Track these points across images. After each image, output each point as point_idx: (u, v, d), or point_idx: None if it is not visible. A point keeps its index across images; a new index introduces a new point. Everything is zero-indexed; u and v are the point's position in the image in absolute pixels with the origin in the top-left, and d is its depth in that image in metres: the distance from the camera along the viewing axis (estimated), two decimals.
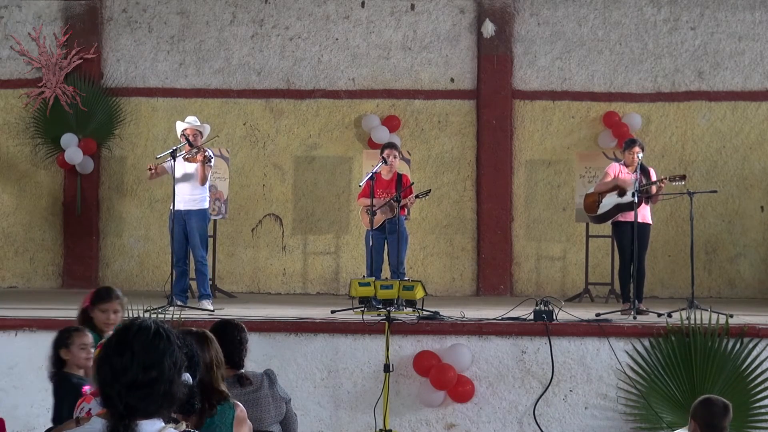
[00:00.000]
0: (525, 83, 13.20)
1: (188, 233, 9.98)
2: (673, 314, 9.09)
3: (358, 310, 9.21)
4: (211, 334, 4.76)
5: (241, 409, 4.65)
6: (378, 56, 13.32)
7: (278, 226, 13.33)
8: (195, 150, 9.92)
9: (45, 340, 8.67)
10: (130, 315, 8.49)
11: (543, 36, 13.19)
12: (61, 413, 5.51)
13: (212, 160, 10.11)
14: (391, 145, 10.80)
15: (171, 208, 10.06)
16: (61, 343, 5.75)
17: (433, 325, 8.78)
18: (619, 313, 9.57)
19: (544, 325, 8.67)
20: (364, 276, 10.53)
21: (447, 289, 13.06)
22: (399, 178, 10.65)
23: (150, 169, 10.03)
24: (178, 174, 9.97)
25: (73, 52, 13.19)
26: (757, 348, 8.50)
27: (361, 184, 10.66)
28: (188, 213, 9.98)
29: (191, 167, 9.98)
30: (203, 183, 10.00)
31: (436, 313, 9.05)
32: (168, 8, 13.43)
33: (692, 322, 8.54)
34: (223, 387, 4.60)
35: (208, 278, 10.43)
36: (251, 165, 13.28)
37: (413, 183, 10.94)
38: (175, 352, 2.94)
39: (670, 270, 12.87)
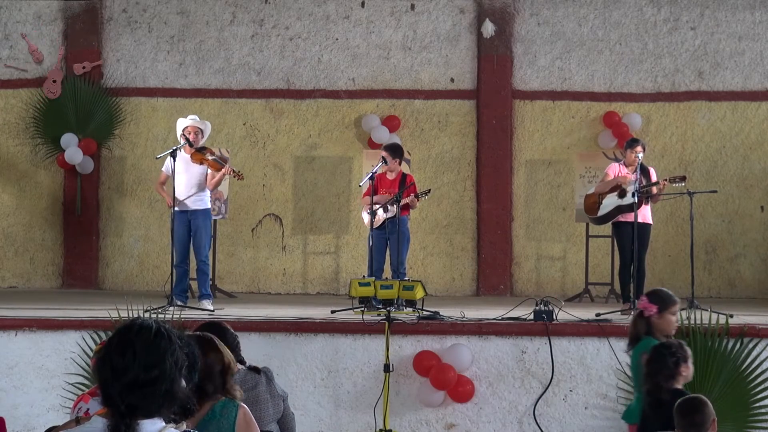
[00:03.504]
0: (525, 83, 13.20)
1: (194, 233, 9.99)
2: None
3: (358, 310, 9.21)
4: (210, 336, 4.78)
5: (245, 411, 4.61)
6: (378, 56, 13.32)
7: (278, 226, 13.33)
8: (220, 160, 10.05)
9: (45, 340, 8.77)
10: (130, 315, 8.53)
11: (543, 36, 13.19)
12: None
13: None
14: (390, 151, 10.64)
15: (172, 208, 10.04)
16: None
17: (433, 325, 8.77)
18: (619, 313, 9.57)
19: (544, 325, 8.67)
20: (364, 276, 10.52)
21: (447, 289, 13.05)
22: (403, 177, 10.64)
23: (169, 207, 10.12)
24: (181, 174, 9.95)
25: (81, 66, 13.19)
26: (757, 348, 8.50)
27: (361, 184, 10.64)
28: (194, 213, 9.99)
29: (196, 168, 9.97)
30: (213, 188, 10.13)
31: (436, 313, 9.05)
32: (168, 8, 13.43)
33: (692, 322, 8.52)
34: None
35: (209, 278, 10.44)
36: (251, 165, 13.26)
37: (413, 183, 10.91)
38: (176, 351, 2.94)
39: (670, 270, 12.86)
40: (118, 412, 2.87)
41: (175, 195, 9.91)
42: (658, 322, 6.16)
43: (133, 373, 2.87)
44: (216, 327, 5.43)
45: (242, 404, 4.61)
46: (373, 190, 10.45)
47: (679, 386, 5.69)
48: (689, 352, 5.79)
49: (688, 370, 5.73)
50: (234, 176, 10.02)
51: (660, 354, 5.72)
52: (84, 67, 13.21)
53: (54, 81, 13.12)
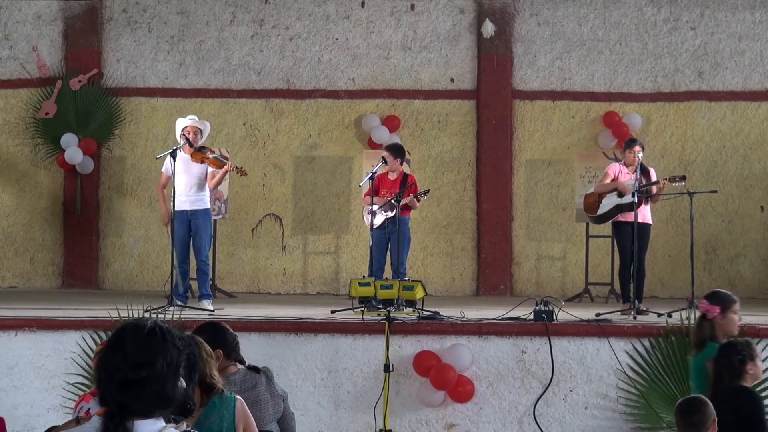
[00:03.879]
0: (525, 83, 13.20)
1: (195, 233, 9.97)
2: (673, 314, 9.08)
3: (358, 310, 9.21)
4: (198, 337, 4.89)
5: (242, 402, 4.74)
6: (378, 56, 13.32)
7: (278, 226, 13.33)
8: (222, 158, 10.07)
9: (45, 340, 8.77)
10: (130, 315, 8.53)
11: (543, 36, 13.19)
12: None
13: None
14: (391, 151, 10.65)
15: (172, 208, 10.04)
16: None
17: (433, 325, 8.77)
18: (619, 313, 9.57)
19: (544, 325, 8.66)
20: (364, 276, 10.52)
21: (447, 289, 13.05)
22: (405, 177, 10.63)
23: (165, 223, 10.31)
24: (181, 174, 9.94)
25: (77, 81, 13.20)
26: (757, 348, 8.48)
27: (361, 184, 10.63)
28: (194, 213, 9.98)
29: (196, 167, 9.96)
30: (214, 187, 10.13)
31: (436, 313, 9.05)
32: (168, 8, 13.43)
33: (692, 322, 8.51)
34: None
35: (209, 278, 10.44)
36: (251, 165, 13.23)
37: (414, 182, 10.89)
38: (170, 352, 2.91)
39: (670, 270, 12.87)
40: (110, 412, 2.87)
41: (177, 195, 9.88)
42: (722, 322, 6.14)
43: (123, 372, 2.86)
44: (215, 327, 5.45)
45: (238, 397, 4.80)
46: (374, 191, 10.45)
47: (747, 384, 5.67)
48: (757, 351, 5.78)
49: (756, 368, 5.72)
50: (237, 172, 10.01)
51: (726, 352, 5.73)
52: (80, 81, 13.20)
53: (47, 114, 13.14)
